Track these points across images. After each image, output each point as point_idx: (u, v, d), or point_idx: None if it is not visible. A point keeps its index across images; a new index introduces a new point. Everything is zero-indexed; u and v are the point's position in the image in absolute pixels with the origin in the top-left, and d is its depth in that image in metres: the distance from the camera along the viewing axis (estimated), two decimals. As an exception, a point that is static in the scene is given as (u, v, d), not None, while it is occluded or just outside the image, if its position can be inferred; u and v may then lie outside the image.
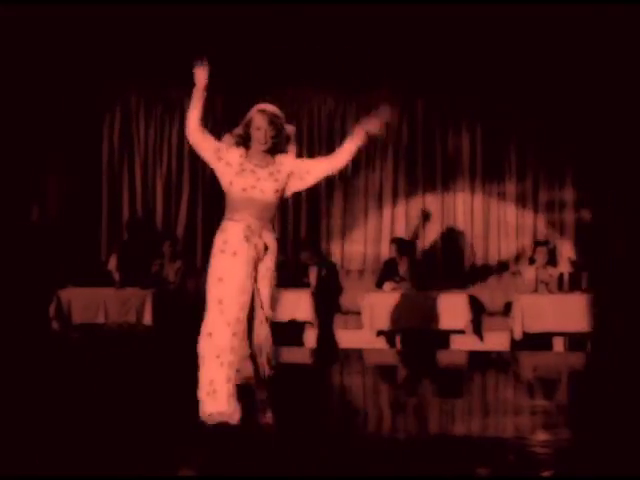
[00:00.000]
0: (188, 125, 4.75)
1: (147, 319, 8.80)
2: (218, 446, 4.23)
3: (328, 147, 10.54)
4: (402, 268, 9.65)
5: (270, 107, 4.69)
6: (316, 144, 10.59)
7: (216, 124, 10.45)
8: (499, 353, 8.55)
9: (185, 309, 8.99)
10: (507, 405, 5.69)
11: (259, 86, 10.32)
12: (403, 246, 9.88)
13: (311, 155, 10.53)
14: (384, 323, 9.04)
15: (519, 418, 5.22)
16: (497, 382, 7.20)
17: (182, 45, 9.54)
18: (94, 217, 10.53)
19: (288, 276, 9.50)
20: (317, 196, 10.53)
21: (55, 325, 8.87)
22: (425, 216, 10.28)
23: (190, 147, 10.67)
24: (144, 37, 9.49)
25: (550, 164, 10.24)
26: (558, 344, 8.86)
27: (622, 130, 9.75)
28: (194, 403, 4.48)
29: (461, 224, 10.39)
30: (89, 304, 8.95)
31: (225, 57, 9.73)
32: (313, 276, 9.61)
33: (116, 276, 9.36)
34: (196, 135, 4.77)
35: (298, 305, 9.15)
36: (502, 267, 10.26)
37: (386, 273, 9.73)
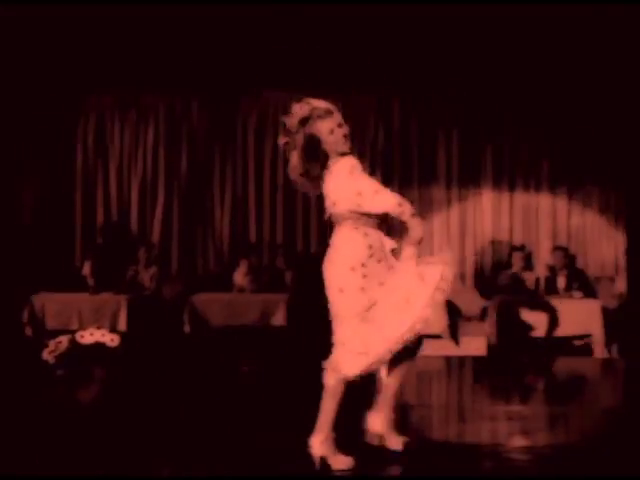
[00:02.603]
0: None
1: (122, 325, 8.70)
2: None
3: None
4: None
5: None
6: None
7: (192, 127, 10.42)
8: (475, 358, 8.52)
9: (160, 315, 8.96)
10: (483, 411, 5.66)
11: (235, 89, 10.33)
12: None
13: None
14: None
15: (495, 424, 5.20)
16: (473, 387, 7.18)
17: (155, 51, 9.50)
18: (68, 222, 10.42)
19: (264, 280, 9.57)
20: (293, 199, 10.48)
21: (28, 331, 8.75)
22: None
23: (165, 152, 10.58)
24: (117, 41, 9.39)
25: (527, 167, 10.35)
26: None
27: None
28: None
29: (437, 227, 10.40)
30: (63, 310, 8.83)
31: (200, 60, 9.76)
32: (289, 280, 9.57)
33: (90, 281, 9.28)
34: None
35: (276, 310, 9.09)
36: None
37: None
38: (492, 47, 9.22)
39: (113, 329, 8.56)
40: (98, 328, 7.96)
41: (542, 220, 10.32)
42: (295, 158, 4.24)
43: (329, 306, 4.13)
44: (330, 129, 4.20)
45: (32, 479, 3.91)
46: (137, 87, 10.25)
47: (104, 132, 10.51)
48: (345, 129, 4.25)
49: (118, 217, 10.42)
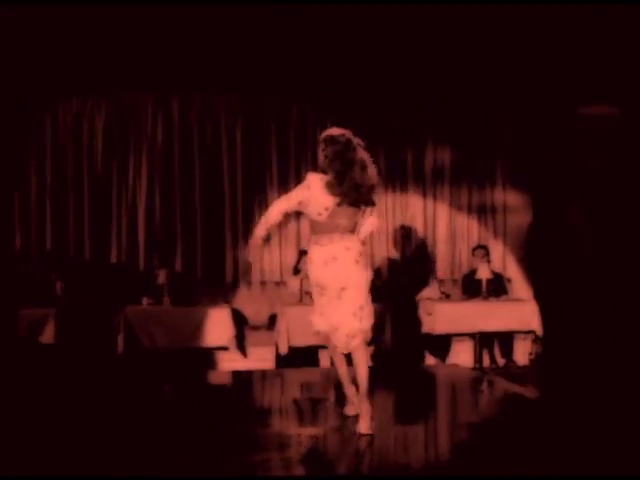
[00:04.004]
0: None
1: None
2: None
3: (74, 148, 9.77)
4: (161, 280, 9.05)
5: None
6: (62, 146, 9.75)
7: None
8: (264, 371, 8.04)
9: None
10: (271, 438, 5.05)
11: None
12: (163, 256, 9.32)
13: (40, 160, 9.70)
14: (144, 342, 8.38)
15: (285, 452, 4.64)
16: (262, 405, 6.62)
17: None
18: None
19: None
20: (65, 205, 9.70)
21: None
22: None
23: None
24: None
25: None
26: (325, 359, 8.51)
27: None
28: None
29: (228, 229, 9.91)
30: None
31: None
32: (60, 292, 8.79)
33: None
34: None
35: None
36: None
37: (142, 286, 9.09)
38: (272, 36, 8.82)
39: None
40: None
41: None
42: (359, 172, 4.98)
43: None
44: None
45: None
46: None
47: None
48: None
49: None
